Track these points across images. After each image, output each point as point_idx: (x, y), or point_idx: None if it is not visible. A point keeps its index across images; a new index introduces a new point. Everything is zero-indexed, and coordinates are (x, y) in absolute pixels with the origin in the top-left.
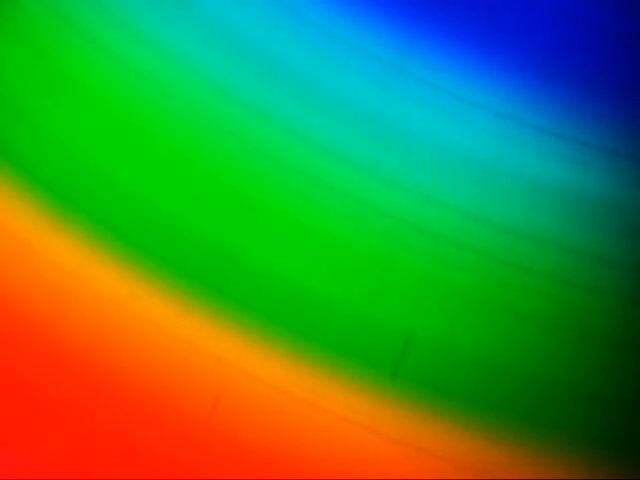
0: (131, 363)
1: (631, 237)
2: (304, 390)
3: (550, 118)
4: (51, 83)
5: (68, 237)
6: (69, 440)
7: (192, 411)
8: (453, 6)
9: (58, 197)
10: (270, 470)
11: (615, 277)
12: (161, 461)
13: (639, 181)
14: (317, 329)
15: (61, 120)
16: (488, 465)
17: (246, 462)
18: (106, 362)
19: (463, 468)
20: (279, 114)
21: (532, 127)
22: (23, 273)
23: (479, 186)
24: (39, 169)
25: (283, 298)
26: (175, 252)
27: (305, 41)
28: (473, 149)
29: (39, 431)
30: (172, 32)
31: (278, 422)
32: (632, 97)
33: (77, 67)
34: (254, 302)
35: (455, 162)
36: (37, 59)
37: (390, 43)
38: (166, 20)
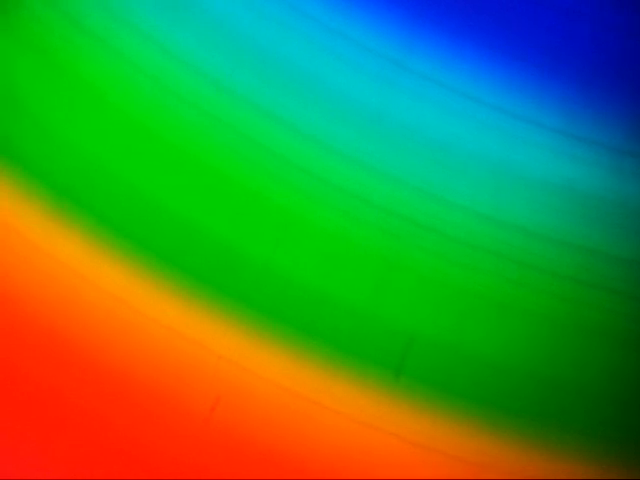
0: (134, 360)
1: None
2: (307, 388)
3: (558, 116)
4: (56, 82)
5: (73, 235)
6: (72, 437)
7: (194, 408)
8: (459, 3)
9: (63, 196)
10: (272, 468)
11: (627, 276)
12: (163, 458)
13: None
14: (321, 327)
15: (66, 119)
16: (497, 464)
17: (248, 460)
18: (109, 359)
19: (471, 466)
20: (281, 111)
21: (539, 125)
22: (28, 271)
23: (487, 184)
24: (45, 168)
25: (286, 296)
26: (178, 249)
27: (306, 38)
28: (479, 147)
29: (43, 428)
30: (176, 31)
31: (280, 420)
32: None
33: (83, 66)
34: (257, 300)
35: (461, 161)
36: (43, 59)
37: (393, 39)
38: (170, 19)
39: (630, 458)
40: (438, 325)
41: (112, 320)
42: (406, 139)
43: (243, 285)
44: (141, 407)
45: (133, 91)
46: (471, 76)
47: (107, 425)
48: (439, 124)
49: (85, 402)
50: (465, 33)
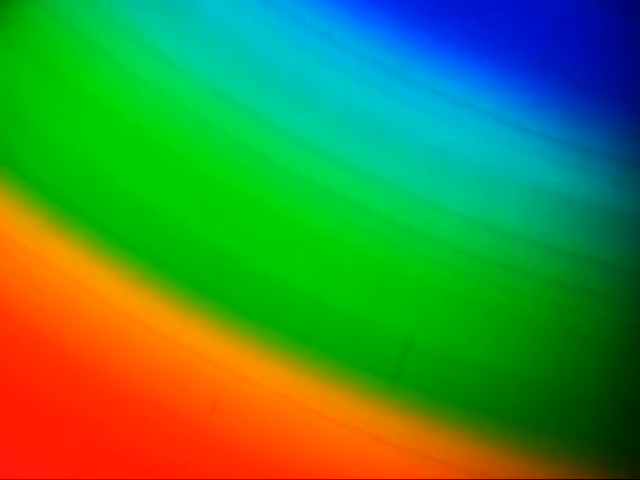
0: (130, 367)
1: (635, 243)
2: (304, 396)
3: (552, 124)
4: (54, 91)
5: (70, 244)
6: (68, 443)
7: (190, 416)
8: (452, 10)
9: (61, 204)
10: (269, 475)
11: (620, 283)
12: (159, 465)
13: None
14: (318, 335)
15: (64, 128)
16: (492, 471)
17: (245, 467)
18: (106, 366)
19: (466, 473)
20: (280, 120)
21: (534, 133)
22: (25, 280)
23: (481, 192)
24: (42, 176)
25: (283, 304)
26: (175, 257)
27: (304, 46)
28: (475, 155)
29: (39, 435)
30: (175, 40)
31: (277, 428)
32: (635, 101)
33: (83, 76)
34: (254, 307)
35: (456, 168)
36: (43, 69)
37: (390, 48)
38: (171, 29)
39: (619, 462)
40: (436, 332)
41: (109, 328)
42: (401, 146)
43: (240, 293)
44: (138, 414)
45: (132, 100)
46: (469, 85)
47: (104, 431)
48: (434, 131)
49: (82, 409)
50: (458, 41)
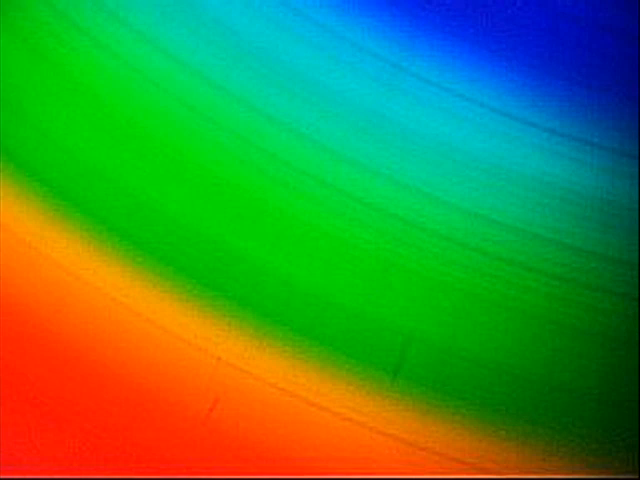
0: (132, 361)
1: (636, 236)
2: (305, 389)
3: (554, 117)
4: (51, 82)
5: (68, 235)
6: (66, 437)
7: (192, 410)
8: (453, 4)
9: (58, 196)
10: (270, 469)
11: (621, 276)
12: (160, 459)
13: None
14: (318, 328)
15: (61, 119)
16: (491, 464)
17: (246, 461)
18: (105, 360)
19: (465, 465)
20: (279, 112)
21: (536, 126)
22: (24, 272)
23: (483, 185)
24: (40, 168)
25: (284, 297)
26: (175, 250)
27: (306, 39)
28: (476, 148)
29: (37, 427)
30: (176, 32)
31: (278, 421)
32: (636, 95)
33: (77, 66)
34: (255, 301)
35: (458, 161)
36: (37, 58)
37: (392, 42)
38: (170, 21)
39: (614, 454)
40: (436, 325)
41: (110, 322)
42: (406, 141)
43: (240, 286)
44: (139, 408)
45: (127, 89)
46: (471, 78)
47: (104, 426)
48: (436, 125)
49: (82, 403)
50: (461, 35)
